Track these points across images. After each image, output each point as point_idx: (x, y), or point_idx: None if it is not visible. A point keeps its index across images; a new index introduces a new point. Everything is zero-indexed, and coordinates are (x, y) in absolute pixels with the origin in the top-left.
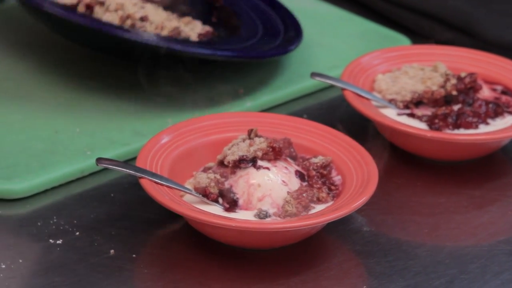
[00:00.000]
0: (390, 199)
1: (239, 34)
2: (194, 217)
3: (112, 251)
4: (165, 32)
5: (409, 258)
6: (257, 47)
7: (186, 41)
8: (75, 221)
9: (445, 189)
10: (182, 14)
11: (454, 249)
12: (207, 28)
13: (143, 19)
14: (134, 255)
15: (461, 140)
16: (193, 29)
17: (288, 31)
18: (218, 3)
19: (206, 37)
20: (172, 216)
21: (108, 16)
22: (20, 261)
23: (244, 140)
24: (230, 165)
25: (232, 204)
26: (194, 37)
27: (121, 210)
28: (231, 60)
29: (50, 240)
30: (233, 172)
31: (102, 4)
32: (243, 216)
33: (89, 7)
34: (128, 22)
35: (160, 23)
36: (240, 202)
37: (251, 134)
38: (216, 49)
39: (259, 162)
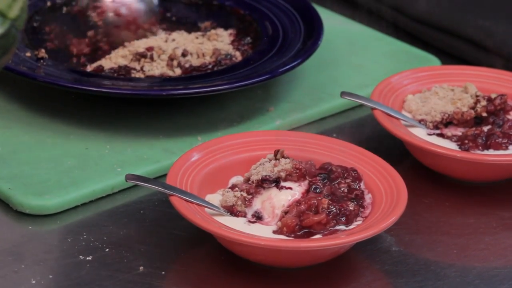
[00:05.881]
0: (419, 219)
1: (260, 47)
2: (224, 235)
3: (141, 268)
4: (207, 58)
5: (438, 279)
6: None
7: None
8: (105, 238)
9: (474, 210)
10: (204, 29)
11: (483, 270)
12: (233, 32)
13: (184, 54)
14: (163, 272)
15: (491, 161)
16: (223, 40)
17: (308, 32)
18: (238, 12)
19: (242, 45)
20: (201, 234)
21: (156, 65)
22: (50, 276)
23: (270, 160)
24: (254, 184)
25: (257, 219)
26: (231, 50)
27: (151, 227)
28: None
29: (80, 256)
30: (257, 192)
31: (145, 56)
32: (262, 229)
33: (126, 70)
34: (175, 63)
35: (198, 51)
36: (265, 219)
37: (277, 154)
38: (245, 79)
39: (283, 183)
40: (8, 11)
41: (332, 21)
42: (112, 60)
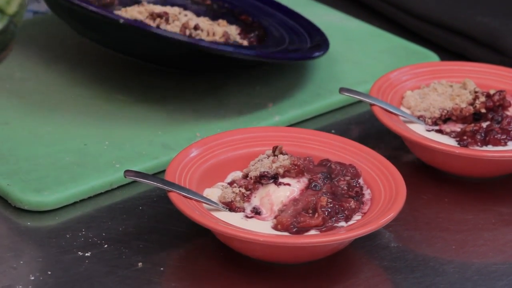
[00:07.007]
0: (417, 215)
1: (267, 42)
2: (222, 231)
3: (140, 264)
4: (217, 38)
5: (436, 275)
6: (290, 51)
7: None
8: (103, 234)
9: (473, 205)
10: (213, 19)
11: (482, 266)
12: (238, 28)
13: (196, 27)
14: (162, 268)
15: (489, 157)
16: (231, 30)
17: (314, 40)
18: (246, 19)
19: (248, 37)
20: (200, 230)
21: (170, 28)
22: (49, 273)
23: (268, 157)
24: (252, 180)
25: (256, 214)
26: (238, 39)
27: (150, 223)
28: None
29: (79, 253)
30: (256, 188)
31: (161, 17)
32: (260, 225)
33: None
34: (187, 32)
35: (209, 29)
36: (264, 215)
37: (276, 151)
38: (268, 51)
39: (281, 179)
40: (6, 7)
41: (331, 18)
42: (128, 13)
